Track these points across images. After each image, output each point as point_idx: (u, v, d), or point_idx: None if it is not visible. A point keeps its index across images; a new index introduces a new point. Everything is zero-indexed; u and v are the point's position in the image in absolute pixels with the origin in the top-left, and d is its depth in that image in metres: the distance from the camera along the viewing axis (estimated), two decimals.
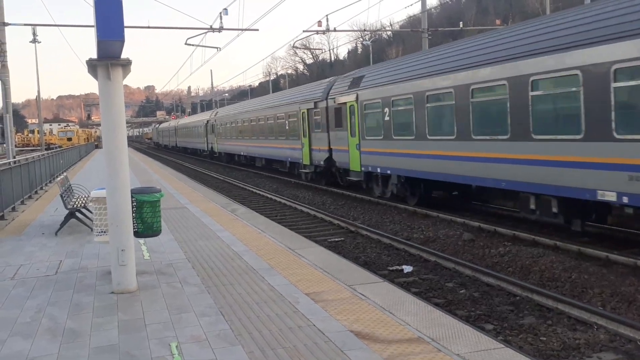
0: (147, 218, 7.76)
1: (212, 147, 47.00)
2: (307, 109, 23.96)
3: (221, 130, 42.72)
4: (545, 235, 11.78)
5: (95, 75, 7.02)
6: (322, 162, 22.71)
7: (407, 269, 10.71)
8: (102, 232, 8.16)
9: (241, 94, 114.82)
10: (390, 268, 10.85)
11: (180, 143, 67.31)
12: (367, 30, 63.38)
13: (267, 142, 30.32)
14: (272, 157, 30.56)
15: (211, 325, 5.78)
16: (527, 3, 63.75)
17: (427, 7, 30.80)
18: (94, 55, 6.95)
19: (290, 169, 27.74)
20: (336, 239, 13.50)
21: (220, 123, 43.22)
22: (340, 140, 20.84)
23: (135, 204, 7.66)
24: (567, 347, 6.88)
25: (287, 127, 26.81)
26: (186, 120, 69.01)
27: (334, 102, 21.07)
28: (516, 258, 10.59)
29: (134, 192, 7.61)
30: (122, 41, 6.37)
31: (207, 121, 48.41)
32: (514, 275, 9.88)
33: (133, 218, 7.51)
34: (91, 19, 6.54)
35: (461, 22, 41.30)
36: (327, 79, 25.21)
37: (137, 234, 7.80)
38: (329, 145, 21.96)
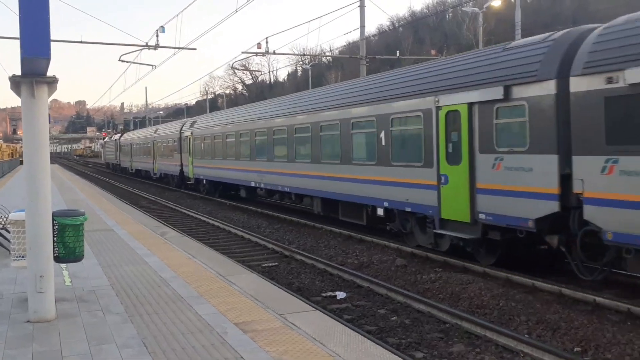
0: (69, 242, 7.39)
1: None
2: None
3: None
4: (474, 262, 12.03)
5: (18, 93, 6.69)
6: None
7: (341, 295, 10.66)
8: (20, 256, 7.72)
9: (177, 112, 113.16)
10: (324, 294, 10.77)
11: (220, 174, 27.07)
12: (307, 55, 64.06)
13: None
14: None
15: (132, 358, 5.51)
16: (462, 35, 66.20)
17: (366, 35, 31.39)
18: (19, 71, 6.63)
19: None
20: (270, 264, 13.32)
21: None
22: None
23: (57, 227, 7.29)
24: None
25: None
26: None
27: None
28: (446, 284, 10.73)
29: (55, 215, 7.24)
30: (48, 59, 6.11)
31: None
32: (444, 301, 10.00)
33: (54, 242, 7.14)
34: (17, 31, 6.24)
35: (398, 51, 42.37)
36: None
37: (58, 259, 7.41)
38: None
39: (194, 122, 32.16)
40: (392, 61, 44.57)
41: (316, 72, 72.45)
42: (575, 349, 7.72)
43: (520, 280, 10.59)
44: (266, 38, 29.24)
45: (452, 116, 11.91)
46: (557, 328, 8.34)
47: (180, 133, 33.36)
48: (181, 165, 32.96)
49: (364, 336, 6.71)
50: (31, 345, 5.97)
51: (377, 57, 40.15)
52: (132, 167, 49.43)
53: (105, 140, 76.51)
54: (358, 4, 28.68)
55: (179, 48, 28.42)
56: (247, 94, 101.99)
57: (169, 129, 37.23)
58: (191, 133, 31.08)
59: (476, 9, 40.33)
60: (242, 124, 24.17)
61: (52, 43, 6.21)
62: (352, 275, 11.80)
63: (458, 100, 11.65)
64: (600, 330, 8.04)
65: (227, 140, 25.76)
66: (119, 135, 61.13)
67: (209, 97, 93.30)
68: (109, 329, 6.40)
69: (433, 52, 44.72)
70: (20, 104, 6.85)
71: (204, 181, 29.45)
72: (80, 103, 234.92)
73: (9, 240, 10.87)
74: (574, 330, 8.19)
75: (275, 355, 5.55)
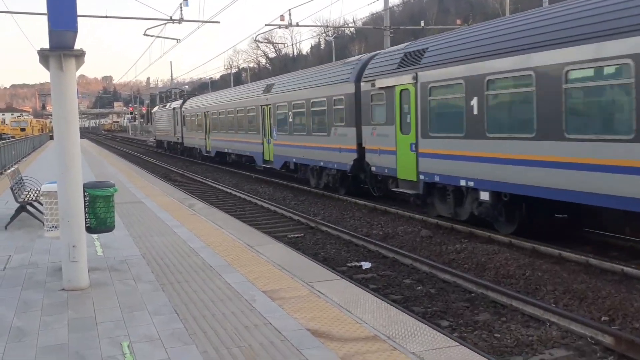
0: (100, 213, 7.56)
1: None
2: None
3: None
4: (500, 233, 11.98)
5: (47, 66, 6.80)
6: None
7: (366, 265, 10.75)
8: (53, 227, 7.92)
9: (202, 87, 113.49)
10: (349, 264, 10.86)
11: None
12: (330, 26, 63.50)
13: None
14: None
15: (165, 324, 5.66)
16: (487, 4, 64.86)
17: (390, 5, 30.94)
18: (48, 45, 6.73)
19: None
20: (296, 235, 13.45)
21: None
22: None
23: (87, 198, 7.45)
24: (520, 343, 7.00)
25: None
26: None
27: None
28: (472, 255, 10.74)
29: (86, 187, 7.40)
30: (75, 32, 6.18)
31: None
32: (470, 272, 10.01)
33: (86, 213, 7.31)
34: (45, 7, 6.33)
35: (422, 21, 41.72)
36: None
37: (90, 230, 7.59)
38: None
39: (423, 51, 13.98)
40: (416, 31, 43.97)
41: (339, 44, 71.78)
42: (602, 318, 7.69)
43: (546, 251, 10.54)
44: (289, 10, 28.98)
45: None
46: (584, 298, 8.31)
47: (357, 85, 17.11)
48: (358, 148, 17.29)
49: (390, 304, 6.78)
50: (66, 312, 6.16)
51: (401, 27, 39.63)
52: (209, 148, 33.73)
53: (155, 110, 55.32)
54: None
55: (203, 22, 28.40)
56: (270, 68, 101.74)
57: (320, 78, 19.73)
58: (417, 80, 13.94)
59: None
60: None
61: (78, 18, 6.28)
62: (377, 245, 11.86)
63: None
64: (628, 299, 7.98)
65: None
66: (180, 102, 42.46)
67: (232, 71, 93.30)
68: (141, 297, 6.57)
69: (458, 21, 43.95)
70: (49, 80, 6.96)
71: (504, 196, 11.65)
72: (107, 78, 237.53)
73: (41, 212, 11.16)
74: (601, 299, 8.16)
75: (302, 321, 5.65)
